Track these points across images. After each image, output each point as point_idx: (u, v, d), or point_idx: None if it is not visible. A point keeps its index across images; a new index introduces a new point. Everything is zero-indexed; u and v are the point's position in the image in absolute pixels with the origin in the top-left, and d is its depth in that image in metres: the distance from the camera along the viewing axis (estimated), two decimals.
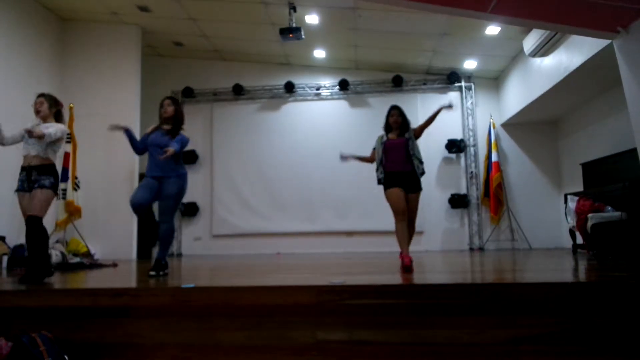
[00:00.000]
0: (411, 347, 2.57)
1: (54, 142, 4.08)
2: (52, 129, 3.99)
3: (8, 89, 6.59)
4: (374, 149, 4.53)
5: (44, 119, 4.15)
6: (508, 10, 4.37)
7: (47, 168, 4.01)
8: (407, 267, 3.96)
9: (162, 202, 4.12)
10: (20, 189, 4.00)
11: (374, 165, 4.49)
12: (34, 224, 3.94)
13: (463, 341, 2.55)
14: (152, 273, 3.98)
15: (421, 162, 4.35)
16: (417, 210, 4.40)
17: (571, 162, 7.79)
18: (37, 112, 4.14)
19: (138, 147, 4.36)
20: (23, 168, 4.03)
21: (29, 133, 3.84)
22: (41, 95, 4.24)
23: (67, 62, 7.98)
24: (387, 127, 4.55)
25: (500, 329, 2.54)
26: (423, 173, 4.36)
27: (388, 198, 4.30)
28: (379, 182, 4.39)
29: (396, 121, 4.46)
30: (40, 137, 3.88)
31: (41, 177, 3.96)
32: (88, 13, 7.79)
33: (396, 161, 4.33)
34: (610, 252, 5.21)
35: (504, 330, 2.54)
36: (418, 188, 4.35)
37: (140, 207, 4.03)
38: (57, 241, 6.93)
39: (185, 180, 4.23)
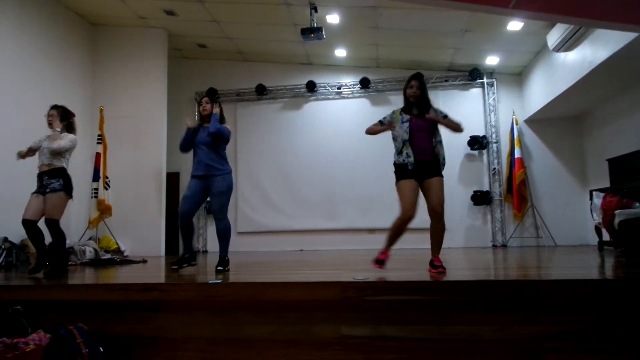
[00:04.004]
0: (434, 343, 2.59)
1: (64, 152, 4.29)
2: (63, 141, 4.25)
3: (42, 94, 6.84)
4: (381, 122, 3.83)
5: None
6: (531, 5, 4.32)
7: (56, 171, 4.20)
8: (378, 260, 3.57)
9: (214, 199, 4.18)
10: (36, 191, 4.23)
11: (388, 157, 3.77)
12: (51, 226, 4.18)
13: (486, 338, 2.56)
14: (220, 268, 4.14)
15: (442, 149, 3.68)
16: (444, 203, 3.58)
17: (597, 158, 7.64)
18: (49, 123, 4.35)
19: (188, 144, 4.39)
20: (40, 173, 4.27)
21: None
22: (54, 107, 4.41)
23: (97, 66, 8.24)
24: (407, 104, 3.76)
25: (524, 326, 2.54)
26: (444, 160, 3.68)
27: (400, 191, 3.60)
28: (401, 167, 3.62)
29: (414, 94, 3.68)
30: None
31: (51, 180, 4.17)
32: (117, 18, 8.01)
33: (421, 148, 3.61)
34: (639, 249, 5.11)
35: (528, 327, 2.54)
36: (438, 172, 3.62)
37: (186, 216, 4.17)
38: (90, 238, 7.17)
39: (231, 177, 4.30)
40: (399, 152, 3.67)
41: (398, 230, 3.59)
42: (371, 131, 3.86)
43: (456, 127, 3.72)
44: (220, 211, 4.19)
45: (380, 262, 3.59)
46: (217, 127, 4.19)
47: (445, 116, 3.72)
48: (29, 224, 4.19)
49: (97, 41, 8.29)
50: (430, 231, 3.63)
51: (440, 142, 3.68)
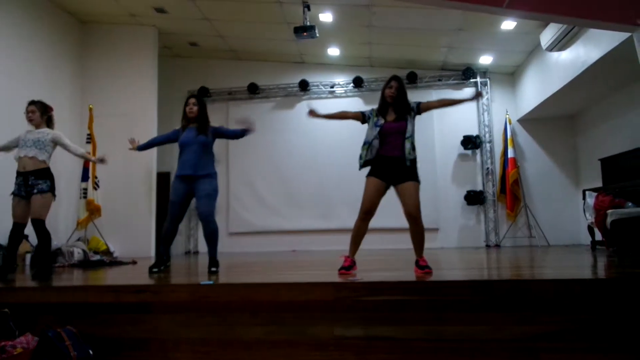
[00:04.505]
0: (428, 344, 2.57)
1: (52, 147, 4.34)
2: (66, 139, 4.37)
3: (30, 92, 6.71)
4: (362, 113, 3.77)
5: (37, 126, 4.35)
6: (524, 5, 4.33)
7: (43, 172, 4.20)
8: (343, 267, 3.53)
9: (201, 202, 4.11)
10: (17, 194, 4.17)
11: None
12: (38, 226, 4.16)
13: (480, 338, 2.54)
14: (214, 269, 4.09)
15: (413, 148, 3.58)
16: (419, 206, 3.52)
17: (589, 158, 7.68)
18: (30, 120, 4.32)
19: (168, 138, 4.47)
20: (19, 173, 4.20)
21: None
22: (32, 103, 4.38)
23: (87, 63, 8.13)
24: (383, 104, 3.69)
25: (518, 326, 2.54)
26: (414, 160, 3.58)
27: (365, 185, 3.65)
28: (369, 164, 3.66)
29: (392, 95, 3.62)
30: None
31: (39, 181, 4.15)
32: (106, 15, 7.92)
33: (391, 149, 3.59)
34: (631, 248, 5.14)
35: (522, 327, 2.53)
36: (411, 177, 3.55)
37: (176, 221, 4.20)
38: (79, 239, 7.08)
39: (217, 179, 4.28)
40: (363, 147, 3.66)
41: (356, 229, 3.64)
42: (337, 116, 3.89)
43: (454, 102, 3.85)
44: (209, 213, 4.13)
45: (345, 268, 3.53)
46: (236, 131, 4.32)
47: (419, 104, 3.70)
48: (20, 228, 4.19)
49: (86, 39, 8.19)
50: (410, 234, 3.62)
51: (411, 140, 3.59)
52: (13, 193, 4.21)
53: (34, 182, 4.14)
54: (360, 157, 3.65)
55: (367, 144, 3.64)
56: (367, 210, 3.59)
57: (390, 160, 3.57)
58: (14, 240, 4.23)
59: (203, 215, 4.13)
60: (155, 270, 4.16)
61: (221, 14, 7.60)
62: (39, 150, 4.20)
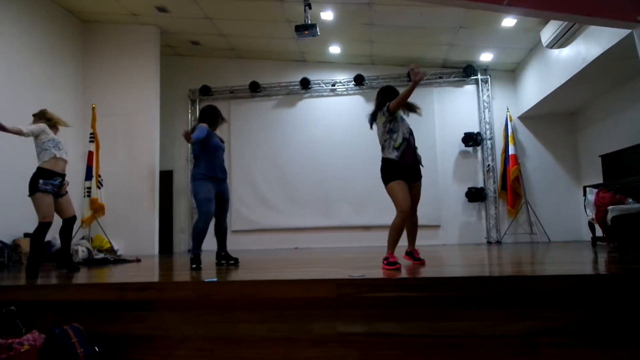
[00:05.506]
0: (430, 339, 2.60)
1: None
2: None
3: (32, 91, 6.79)
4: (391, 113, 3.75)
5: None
6: (525, 2, 4.35)
7: None
8: (390, 262, 3.58)
9: (227, 204, 4.66)
10: (51, 192, 4.22)
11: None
12: (73, 224, 4.53)
13: (481, 333, 2.56)
14: (231, 261, 4.63)
15: None
16: None
17: (590, 154, 7.69)
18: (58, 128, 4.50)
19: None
20: (58, 174, 4.28)
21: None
22: None
23: (89, 63, 8.17)
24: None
25: (518, 322, 2.55)
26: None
27: (395, 191, 3.71)
28: (394, 165, 3.74)
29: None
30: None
31: (65, 182, 4.45)
32: (108, 15, 7.95)
33: (407, 152, 3.81)
34: (632, 244, 5.15)
35: (523, 323, 2.55)
36: (421, 176, 3.95)
37: (212, 217, 4.49)
38: (83, 238, 7.12)
39: None
40: (395, 148, 3.74)
41: (400, 229, 3.75)
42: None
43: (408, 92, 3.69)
44: (226, 215, 4.68)
45: (393, 263, 3.59)
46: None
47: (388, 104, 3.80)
48: (49, 227, 4.22)
49: (88, 38, 8.22)
50: (410, 227, 3.94)
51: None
52: (47, 191, 4.16)
53: (63, 182, 4.40)
54: (397, 149, 3.74)
55: (404, 140, 3.76)
56: (408, 209, 3.74)
57: (408, 165, 3.82)
58: (43, 240, 4.24)
59: (225, 215, 4.64)
60: (194, 266, 4.33)
61: (223, 12, 7.61)
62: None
